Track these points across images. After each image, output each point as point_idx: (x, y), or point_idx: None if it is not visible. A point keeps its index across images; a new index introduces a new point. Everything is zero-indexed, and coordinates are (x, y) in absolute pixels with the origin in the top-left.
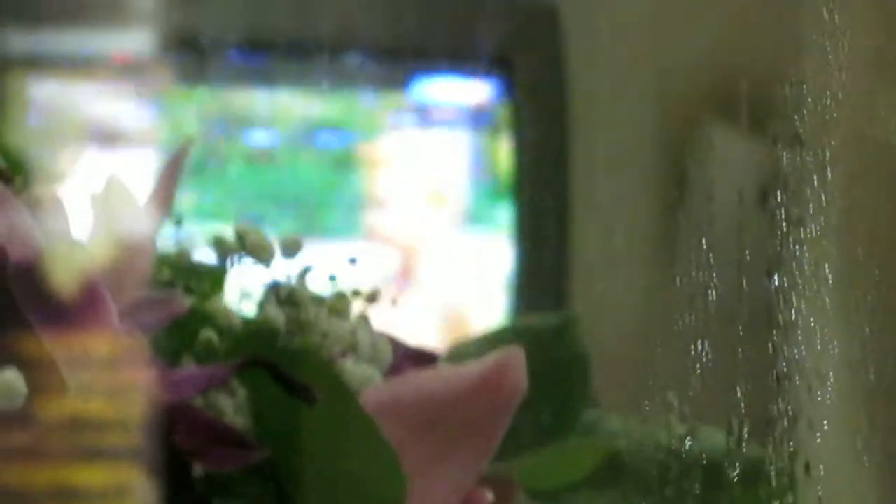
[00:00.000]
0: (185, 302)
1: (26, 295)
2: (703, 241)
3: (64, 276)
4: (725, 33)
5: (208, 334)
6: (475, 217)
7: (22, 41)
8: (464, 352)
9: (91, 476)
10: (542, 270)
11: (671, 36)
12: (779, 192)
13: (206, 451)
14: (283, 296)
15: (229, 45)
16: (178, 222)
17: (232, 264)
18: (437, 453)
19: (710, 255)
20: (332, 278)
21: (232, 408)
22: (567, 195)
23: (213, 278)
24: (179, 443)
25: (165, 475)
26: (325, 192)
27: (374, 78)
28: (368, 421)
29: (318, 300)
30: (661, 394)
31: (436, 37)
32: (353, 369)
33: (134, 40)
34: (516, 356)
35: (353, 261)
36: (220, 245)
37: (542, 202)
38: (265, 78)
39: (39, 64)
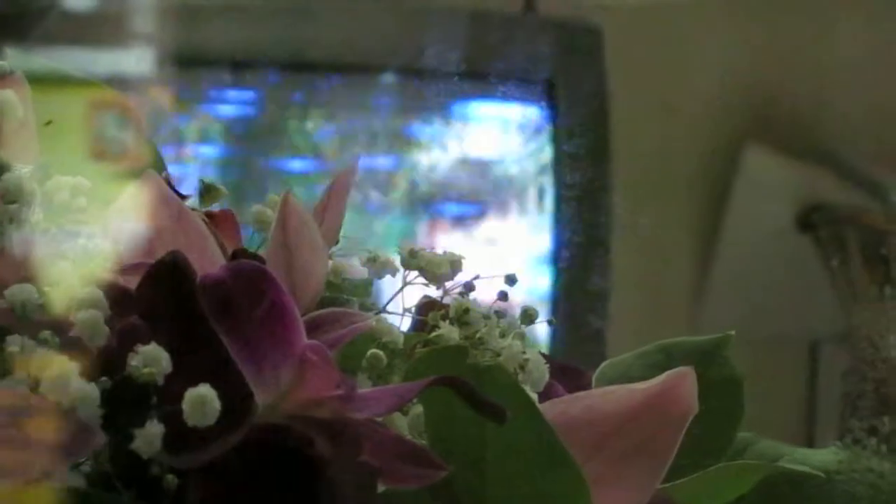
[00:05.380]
0: (369, 319)
1: (215, 311)
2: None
3: (248, 292)
4: (763, 56)
5: (375, 351)
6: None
7: (26, 60)
8: (616, 371)
9: None
10: (584, 292)
11: (711, 58)
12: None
13: (392, 469)
14: (455, 313)
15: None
16: (337, 241)
17: (402, 282)
18: (607, 473)
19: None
20: (503, 295)
21: (406, 425)
22: (607, 214)
23: (363, 294)
24: (367, 460)
25: (351, 492)
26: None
27: (418, 100)
28: (557, 440)
29: (487, 318)
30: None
31: (480, 58)
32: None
33: (135, 60)
34: (687, 375)
35: (512, 279)
36: (375, 262)
37: (583, 223)
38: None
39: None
